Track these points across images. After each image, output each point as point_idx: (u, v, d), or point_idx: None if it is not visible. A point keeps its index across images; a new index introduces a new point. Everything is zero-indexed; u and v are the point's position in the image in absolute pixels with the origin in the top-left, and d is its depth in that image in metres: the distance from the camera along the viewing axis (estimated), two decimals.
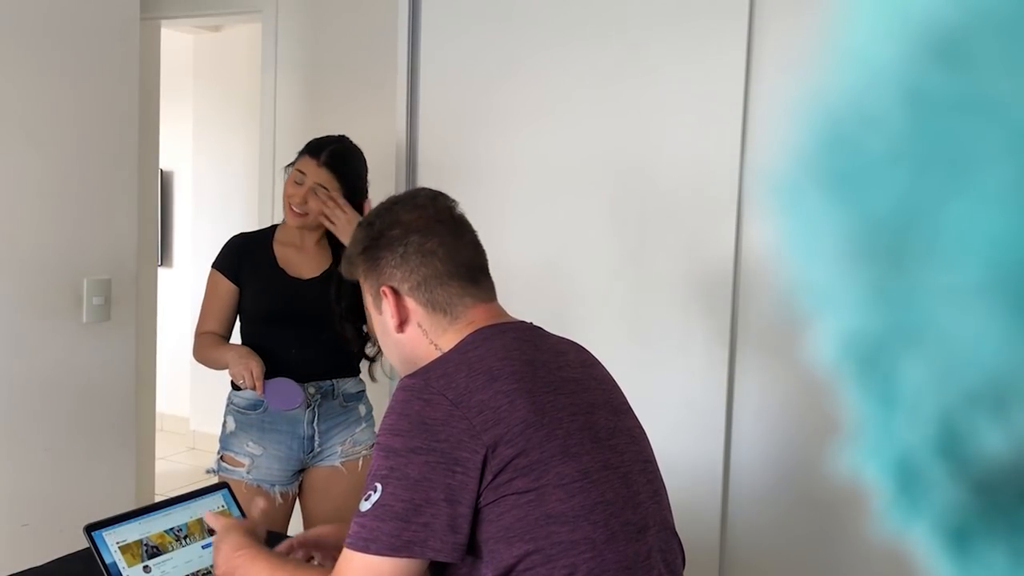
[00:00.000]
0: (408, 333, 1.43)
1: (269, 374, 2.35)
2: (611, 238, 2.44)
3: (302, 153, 2.44)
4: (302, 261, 2.46)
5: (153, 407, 3.64)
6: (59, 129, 2.50)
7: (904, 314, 0.28)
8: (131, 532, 1.60)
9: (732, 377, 2.33)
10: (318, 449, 2.44)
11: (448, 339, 1.40)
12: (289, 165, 2.48)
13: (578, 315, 2.38)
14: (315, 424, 2.42)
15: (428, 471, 1.23)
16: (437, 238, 1.42)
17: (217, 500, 1.77)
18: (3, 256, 2.40)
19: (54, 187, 2.49)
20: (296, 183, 2.40)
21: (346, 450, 2.46)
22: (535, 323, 1.47)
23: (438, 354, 1.40)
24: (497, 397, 1.28)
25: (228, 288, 2.47)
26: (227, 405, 2.49)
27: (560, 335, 1.49)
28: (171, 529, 1.66)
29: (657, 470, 1.46)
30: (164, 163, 4.46)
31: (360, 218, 2.44)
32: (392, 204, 1.47)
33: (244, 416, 2.45)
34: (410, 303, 1.42)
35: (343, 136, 2.51)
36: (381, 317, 1.46)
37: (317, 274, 2.45)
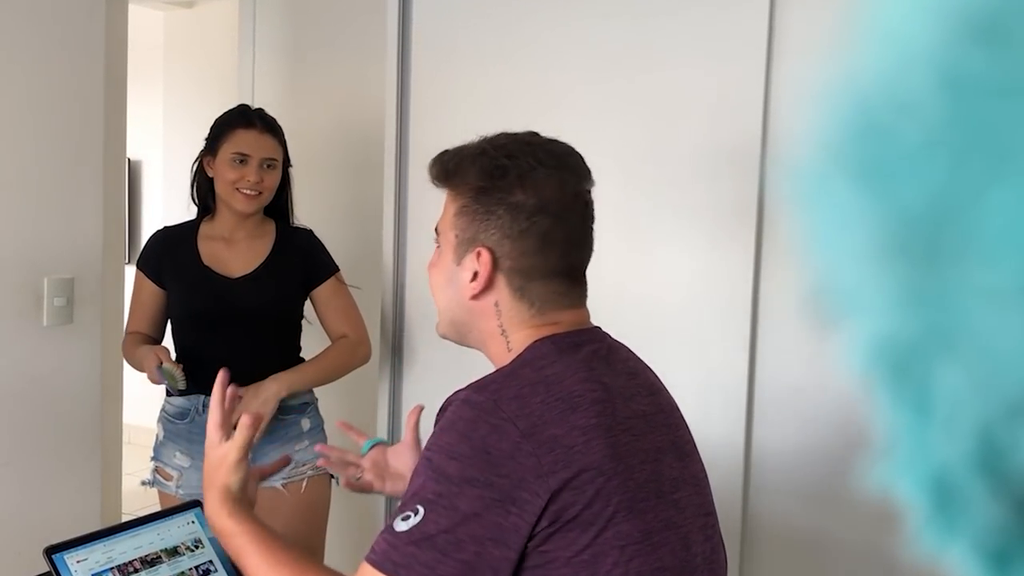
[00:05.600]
0: (480, 304, 1.35)
1: (199, 381, 2.38)
2: (620, 233, 2.44)
3: (225, 130, 2.43)
4: (231, 257, 2.46)
5: (120, 418, 3.64)
6: (17, 115, 2.50)
7: (940, 316, 0.28)
8: (95, 555, 1.61)
9: (752, 384, 2.33)
10: (250, 464, 2.42)
11: (522, 335, 1.34)
12: (203, 156, 2.48)
13: None
14: None
15: (481, 507, 1.17)
16: (568, 228, 1.34)
17: (188, 519, 1.77)
18: None
19: (11, 178, 2.49)
20: (238, 164, 2.39)
21: (286, 472, 2.41)
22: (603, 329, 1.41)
23: (504, 341, 1.35)
24: (573, 434, 1.21)
25: (151, 289, 2.49)
26: (160, 412, 2.51)
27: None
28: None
29: (717, 523, 1.41)
30: (132, 152, 4.45)
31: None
32: (537, 159, 1.34)
33: (172, 425, 2.47)
34: (500, 280, 1.34)
35: (242, 103, 2.60)
36: (455, 266, 1.36)
37: (249, 271, 2.44)
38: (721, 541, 1.41)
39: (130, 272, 4.09)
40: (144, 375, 2.45)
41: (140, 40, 4.45)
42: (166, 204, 5.53)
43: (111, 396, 3.37)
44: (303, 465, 2.45)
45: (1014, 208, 0.26)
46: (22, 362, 2.54)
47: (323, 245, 2.54)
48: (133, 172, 5.53)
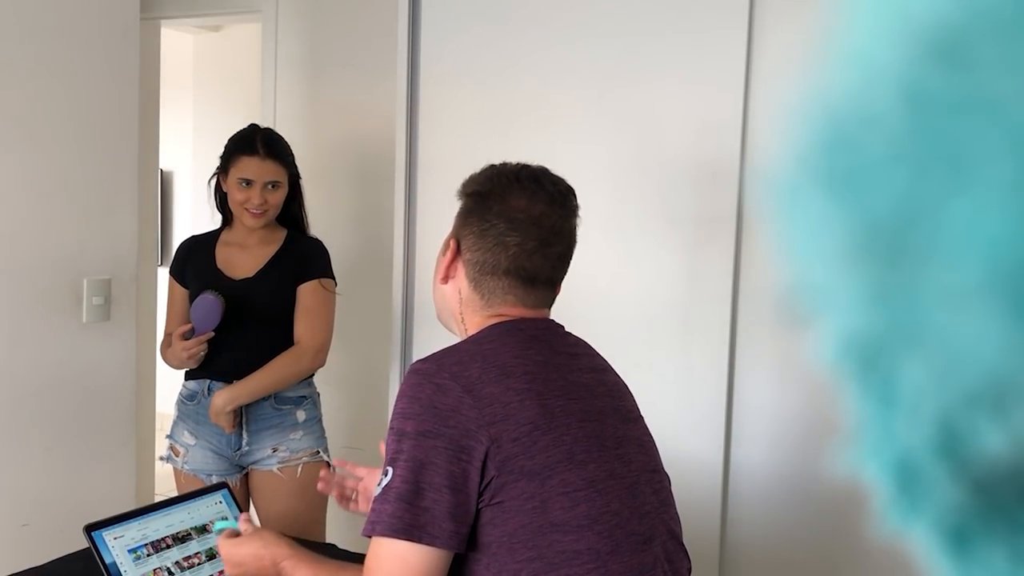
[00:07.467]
0: (448, 287, 1.45)
1: (209, 368, 2.42)
2: (611, 238, 2.43)
3: (232, 155, 2.43)
4: (240, 261, 2.46)
5: (153, 407, 3.64)
6: (59, 129, 2.50)
7: (904, 314, 0.28)
8: (131, 532, 1.61)
9: (732, 377, 2.33)
10: (247, 448, 2.42)
11: (475, 321, 1.42)
12: (217, 174, 2.48)
13: (578, 315, 2.37)
14: (243, 423, 2.41)
15: (434, 455, 1.24)
16: (520, 237, 1.39)
17: (216, 499, 1.77)
18: (3, 256, 2.40)
19: (54, 187, 2.49)
20: (244, 186, 2.39)
21: (282, 456, 2.42)
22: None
23: (462, 325, 1.43)
24: (508, 393, 1.28)
25: (180, 292, 2.51)
26: (177, 395, 2.52)
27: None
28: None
29: (665, 479, 1.44)
30: (164, 163, 4.45)
31: None
32: (517, 177, 1.42)
33: (184, 406, 2.50)
34: (462, 269, 1.43)
35: (252, 124, 2.55)
36: (441, 256, 1.47)
37: (251, 274, 2.44)
38: (671, 494, 1.45)
39: (162, 273, 4.09)
40: (179, 368, 2.48)
41: (172, 61, 4.45)
42: (195, 211, 5.52)
43: (145, 387, 3.37)
44: (298, 453, 2.44)
45: (971, 214, 0.26)
46: (63, 356, 2.54)
47: (326, 254, 2.49)
48: (165, 182, 5.53)
